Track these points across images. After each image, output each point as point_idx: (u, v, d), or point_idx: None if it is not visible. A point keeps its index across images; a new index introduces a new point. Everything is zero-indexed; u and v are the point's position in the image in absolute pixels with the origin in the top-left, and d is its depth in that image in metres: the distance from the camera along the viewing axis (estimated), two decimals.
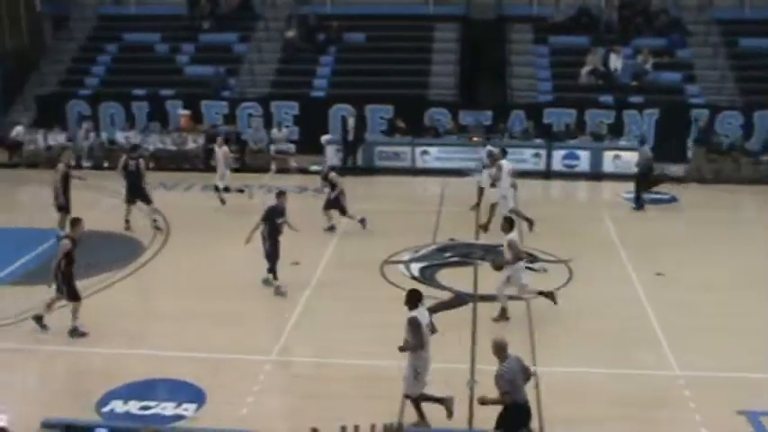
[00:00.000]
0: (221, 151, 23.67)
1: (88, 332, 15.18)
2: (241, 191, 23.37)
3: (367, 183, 25.95)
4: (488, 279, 17.82)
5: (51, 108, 29.83)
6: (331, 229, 20.89)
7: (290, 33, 31.51)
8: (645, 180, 23.49)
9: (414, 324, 11.75)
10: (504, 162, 21.14)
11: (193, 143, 27.80)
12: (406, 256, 19.21)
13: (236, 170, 26.80)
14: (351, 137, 27.02)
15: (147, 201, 21.34)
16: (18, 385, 14.03)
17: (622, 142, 27.24)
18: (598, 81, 29.51)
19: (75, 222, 15.58)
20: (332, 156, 27.24)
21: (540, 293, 16.07)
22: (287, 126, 28.39)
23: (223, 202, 22.99)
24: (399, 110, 28.55)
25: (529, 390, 11.32)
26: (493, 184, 21.57)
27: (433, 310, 15.89)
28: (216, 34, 32.31)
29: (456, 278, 17.93)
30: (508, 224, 16.11)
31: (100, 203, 22.64)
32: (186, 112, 29.04)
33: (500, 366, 10.80)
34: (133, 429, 9.74)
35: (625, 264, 18.87)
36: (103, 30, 33.41)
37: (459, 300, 16.68)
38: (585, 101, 28.63)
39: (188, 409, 12.69)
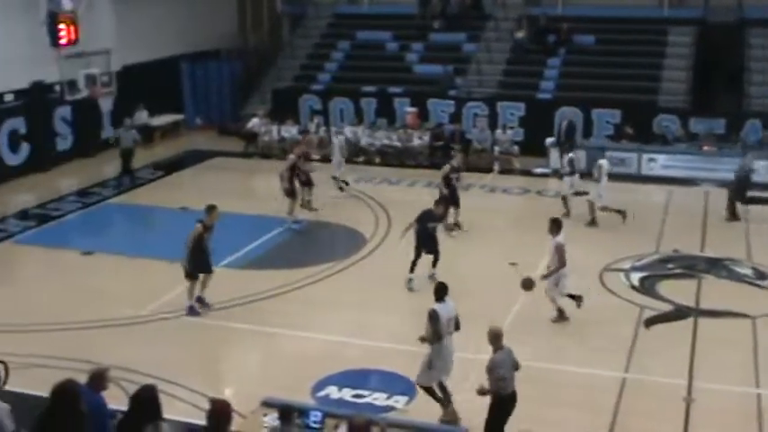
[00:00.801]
0: (338, 140, 24.80)
1: (201, 313, 16.07)
2: (341, 188, 24.00)
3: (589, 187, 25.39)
4: (712, 293, 17.18)
5: (286, 102, 31.08)
6: (456, 225, 20.82)
7: (520, 34, 31.40)
8: (739, 191, 22.07)
9: (432, 317, 12.08)
10: (603, 162, 21.71)
11: (419, 140, 28.20)
12: (626, 265, 18.75)
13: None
14: (562, 140, 26.55)
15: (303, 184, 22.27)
16: (242, 364, 14.77)
17: None
18: None
19: (211, 209, 16.25)
20: (555, 159, 26.88)
21: (570, 296, 15.74)
22: (511, 127, 28.28)
23: (342, 189, 24.08)
24: (627, 115, 27.80)
25: None
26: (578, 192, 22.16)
27: (652, 322, 15.58)
28: (445, 34, 32.63)
29: (677, 291, 17.30)
30: (556, 226, 15.70)
31: (326, 196, 23.37)
32: (413, 109, 29.50)
33: (494, 355, 11.05)
34: (345, 416, 9.99)
35: None
36: (338, 28, 34.48)
37: (678, 313, 16.15)
38: None
39: (399, 401, 12.94)
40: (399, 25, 33.47)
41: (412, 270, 17.48)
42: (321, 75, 32.41)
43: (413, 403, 12.84)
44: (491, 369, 10.96)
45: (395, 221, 21.73)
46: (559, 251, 15.48)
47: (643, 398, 12.95)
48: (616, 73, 29.28)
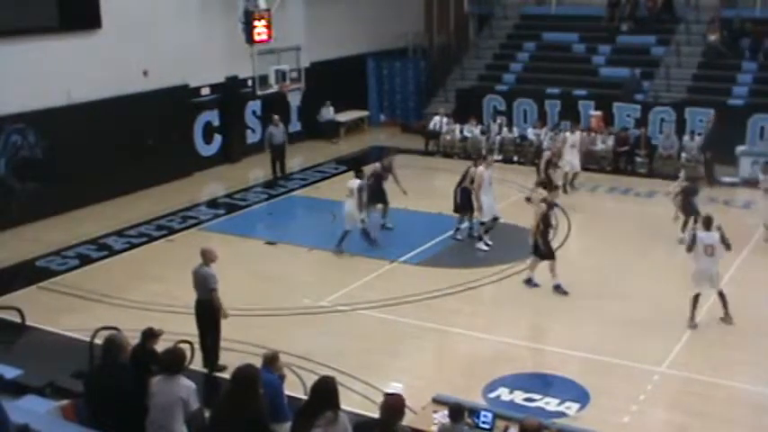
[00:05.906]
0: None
1: (568, 292, 16.77)
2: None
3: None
4: None
5: (469, 101, 31.13)
6: None
7: (712, 37, 30.26)
8: None
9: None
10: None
11: (602, 144, 27.68)
12: None
13: (643, 175, 26.40)
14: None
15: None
16: (414, 360, 14.92)
17: None
18: None
19: (554, 187, 17.51)
20: (747, 168, 25.70)
21: None
22: (699, 134, 27.32)
23: None
24: None
25: None
26: None
27: None
28: (634, 36, 31.82)
29: None
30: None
31: (508, 197, 23.29)
32: (598, 113, 28.97)
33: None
34: (516, 418, 9.97)
35: None
36: (524, 29, 34.22)
37: None
38: None
39: (571, 407, 12.79)
40: (586, 27, 32.89)
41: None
42: (506, 75, 32.29)
43: (585, 410, 12.68)
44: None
45: (575, 226, 21.45)
46: None
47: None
48: None
